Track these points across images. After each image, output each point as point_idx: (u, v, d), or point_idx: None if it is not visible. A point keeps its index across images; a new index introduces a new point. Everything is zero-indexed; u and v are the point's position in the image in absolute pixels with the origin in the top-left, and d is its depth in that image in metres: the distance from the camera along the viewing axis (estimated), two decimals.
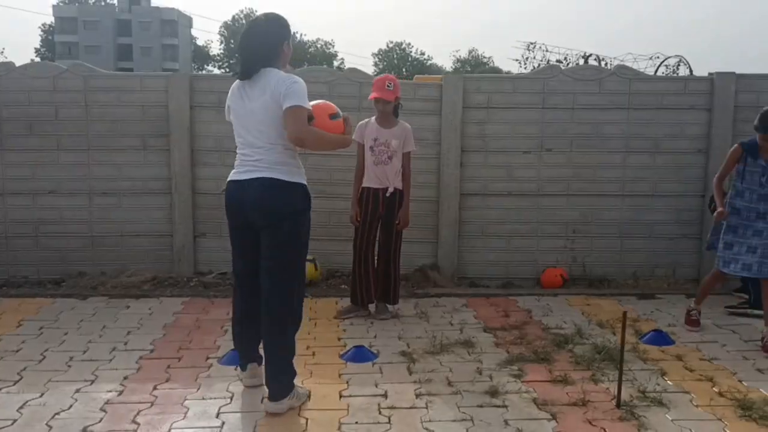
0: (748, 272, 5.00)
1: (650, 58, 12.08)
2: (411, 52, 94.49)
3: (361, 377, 4.13)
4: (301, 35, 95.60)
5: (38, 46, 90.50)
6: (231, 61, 79.95)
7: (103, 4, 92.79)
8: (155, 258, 6.71)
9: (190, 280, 6.48)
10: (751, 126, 6.56)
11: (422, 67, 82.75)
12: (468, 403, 3.78)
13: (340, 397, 3.84)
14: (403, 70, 79.57)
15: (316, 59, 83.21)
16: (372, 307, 5.50)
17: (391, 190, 5.37)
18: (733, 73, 6.70)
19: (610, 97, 6.70)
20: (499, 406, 3.74)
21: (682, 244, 6.86)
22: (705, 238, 6.56)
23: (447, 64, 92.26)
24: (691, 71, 11.84)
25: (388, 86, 5.31)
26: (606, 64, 13.17)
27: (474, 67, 75.49)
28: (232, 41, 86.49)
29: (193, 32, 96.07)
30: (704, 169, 6.75)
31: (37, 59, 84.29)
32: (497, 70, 52.31)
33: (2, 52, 42.89)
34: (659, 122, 6.72)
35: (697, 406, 3.79)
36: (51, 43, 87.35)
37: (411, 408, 3.71)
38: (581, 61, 13.92)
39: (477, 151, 6.74)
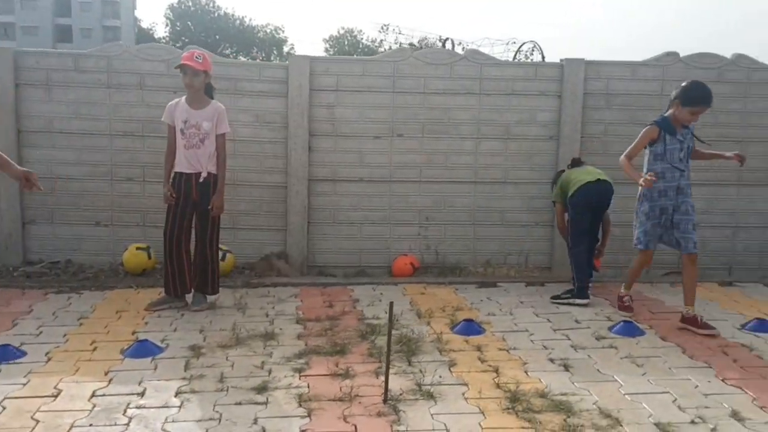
0: (672, 247, 5.09)
1: (506, 44, 12.05)
2: (362, 39, 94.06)
3: (129, 374, 3.91)
4: (249, 19, 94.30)
5: None
6: (177, 45, 78.25)
7: None
8: None
9: (16, 270, 6.16)
10: (600, 113, 6.59)
11: (373, 54, 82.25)
12: (228, 401, 3.60)
13: (92, 396, 3.62)
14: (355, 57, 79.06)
15: (265, 44, 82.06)
16: (189, 297, 5.28)
17: (204, 175, 5.13)
18: (582, 59, 6.64)
19: (461, 82, 6.58)
20: (258, 403, 3.57)
21: (534, 231, 6.80)
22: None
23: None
24: (543, 57, 11.82)
25: (196, 58, 5.05)
26: (463, 48, 13.08)
27: None
28: (178, 24, 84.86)
29: (138, 14, 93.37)
30: (555, 156, 6.69)
31: None
32: None
33: None
34: (510, 108, 6.63)
35: (466, 399, 3.67)
36: None
37: (161, 407, 3.50)
38: (439, 46, 13.84)
39: (326, 135, 6.56)
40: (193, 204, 5.15)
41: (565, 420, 3.43)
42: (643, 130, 5.10)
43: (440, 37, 12.81)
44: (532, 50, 11.78)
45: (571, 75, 6.59)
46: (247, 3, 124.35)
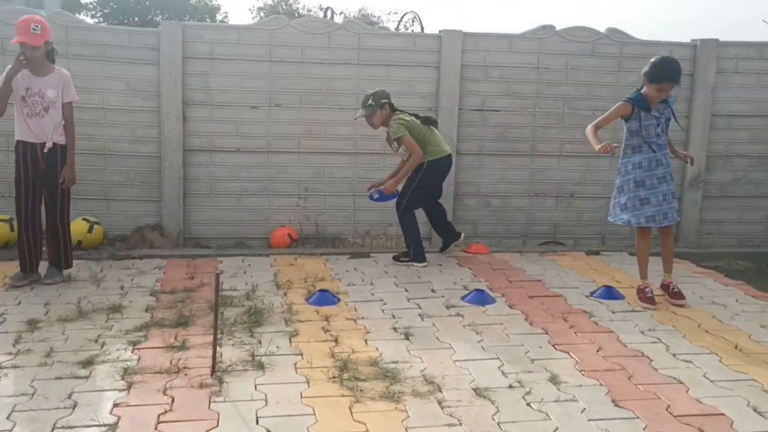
0: (673, 220, 4.98)
1: (388, 14, 12.10)
2: (298, 8, 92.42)
3: None
4: None
5: None
6: (105, 10, 75.30)
7: None
8: None
9: None
10: (478, 85, 6.64)
11: None
12: (48, 375, 3.53)
13: None
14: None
15: (198, 11, 79.91)
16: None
17: (49, 145, 4.94)
18: (460, 31, 6.67)
19: (339, 52, 6.54)
20: (79, 378, 3.51)
21: None
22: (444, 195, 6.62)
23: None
24: (422, 28, 11.86)
25: (34, 29, 4.81)
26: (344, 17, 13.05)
27: None
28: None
29: None
30: None
31: None
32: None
33: None
34: (390, 79, 6.62)
35: (296, 368, 3.69)
36: None
37: None
38: (321, 14, 13.79)
39: (201, 105, 6.45)
40: (42, 176, 4.97)
41: (387, 387, 3.48)
42: (616, 104, 5.02)
43: (321, 5, 12.65)
44: (413, 20, 11.75)
45: (449, 46, 6.62)
46: None
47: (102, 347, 3.91)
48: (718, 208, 7.23)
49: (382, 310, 4.70)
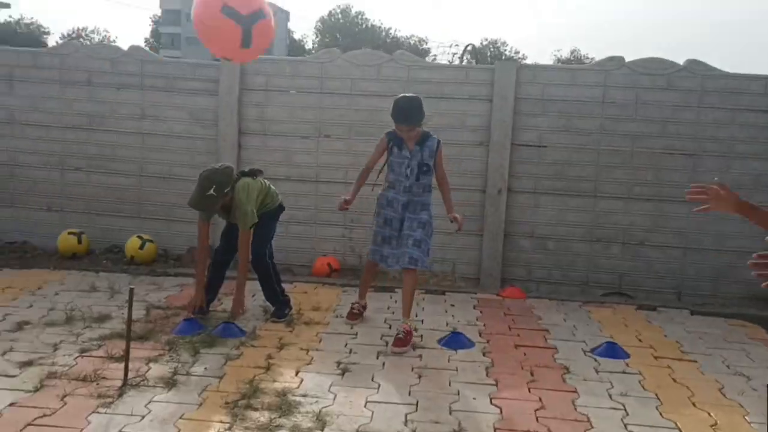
0: (403, 264, 4.76)
1: (450, 46, 11.53)
2: (505, 50, 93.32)
3: None
4: (395, 31, 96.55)
5: (147, 37, 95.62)
6: None
7: None
8: None
9: None
10: (535, 119, 6.29)
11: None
12: None
13: None
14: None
15: None
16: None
17: None
18: (515, 62, 6.36)
19: (389, 84, 6.50)
20: (7, 376, 3.78)
21: (463, 240, 6.56)
22: (487, 234, 6.33)
23: (544, 59, 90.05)
24: (477, 61, 11.12)
25: None
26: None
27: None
28: (327, 36, 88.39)
29: (291, 26, 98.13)
30: (485, 162, 6.44)
31: (146, 49, 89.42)
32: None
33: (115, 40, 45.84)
34: (440, 112, 6.44)
35: (203, 391, 3.68)
36: (159, 33, 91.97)
37: None
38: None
39: (256, 134, 6.71)
40: None
41: (271, 420, 3.36)
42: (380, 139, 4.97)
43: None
44: (468, 54, 11.21)
45: (502, 78, 6.32)
46: (395, 16, 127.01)
47: (54, 351, 4.17)
48: None
49: (345, 343, 4.53)
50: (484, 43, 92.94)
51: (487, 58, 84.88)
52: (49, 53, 6.90)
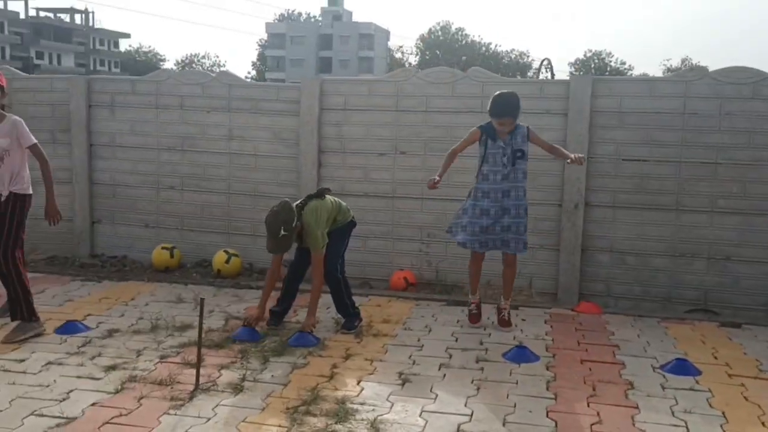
0: (506, 249, 5.36)
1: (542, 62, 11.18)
2: (611, 61, 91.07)
3: None
4: (496, 46, 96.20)
5: (254, 60, 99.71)
6: None
7: (312, 20, 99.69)
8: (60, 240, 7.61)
9: (75, 261, 7.33)
10: (611, 132, 6.23)
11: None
12: (73, 373, 4.19)
13: None
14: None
15: (510, 68, 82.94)
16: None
17: (5, 194, 4.76)
18: (591, 76, 6.31)
19: (463, 101, 6.59)
20: (93, 378, 4.11)
21: (539, 254, 6.53)
22: (563, 248, 6.28)
23: (654, 71, 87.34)
24: (552, 75, 10.72)
25: None
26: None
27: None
28: (427, 53, 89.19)
29: (391, 44, 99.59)
30: (561, 176, 6.39)
31: (253, 72, 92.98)
32: None
33: (224, 64, 48.10)
34: None
35: (267, 397, 3.87)
36: (265, 57, 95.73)
37: None
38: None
39: (335, 152, 6.94)
40: None
41: (327, 425, 3.51)
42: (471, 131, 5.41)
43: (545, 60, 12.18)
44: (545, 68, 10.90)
45: (577, 92, 6.26)
46: (496, 31, 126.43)
47: (136, 357, 4.48)
48: None
49: (410, 355, 4.62)
50: (588, 54, 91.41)
51: (591, 69, 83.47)
52: (146, 81, 7.40)
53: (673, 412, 3.74)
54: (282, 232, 4.91)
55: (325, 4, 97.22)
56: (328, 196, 5.27)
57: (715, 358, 4.68)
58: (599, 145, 6.31)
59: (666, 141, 6.17)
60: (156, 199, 7.40)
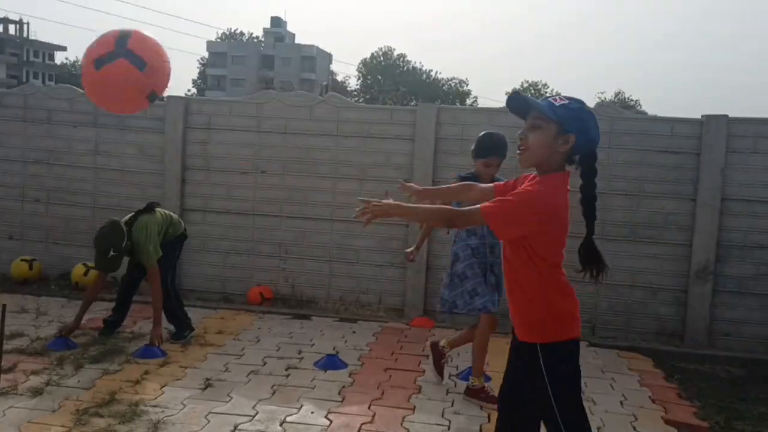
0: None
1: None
2: (546, 92, 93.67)
3: None
4: (436, 73, 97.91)
5: (195, 78, 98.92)
6: (366, 96, 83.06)
7: (254, 41, 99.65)
8: None
9: None
10: (454, 158, 6.58)
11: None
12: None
13: None
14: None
15: (449, 96, 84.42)
16: None
17: None
18: (436, 105, 6.67)
19: (320, 124, 6.88)
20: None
21: (388, 272, 6.84)
22: (410, 266, 6.53)
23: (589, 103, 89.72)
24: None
25: None
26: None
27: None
28: (368, 77, 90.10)
29: (333, 68, 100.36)
30: (409, 199, 6.70)
31: (194, 90, 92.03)
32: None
33: None
34: (366, 150, 6.79)
35: (65, 399, 4.02)
36: (206, 75, 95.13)
37: None
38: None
39: (199, 169, 7.13)
40: None
41: (109, 425, 3.68)
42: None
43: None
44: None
45: (423, 119, 6.64)
46: (435, 58, 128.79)
47: None
48: (737, 306, 6.20)
49: (225, 364, 4.83)
50: (525, 85, 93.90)
51: None
52: (14, 94, 7.48)
53: (443, 413, 4.04)
54: (111, 253, 5.05)
55: (268, 25, 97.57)
56: (158, 209, 5.44)
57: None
58: (443, 169, 6.68)
59: None
60: (21, 211, 7.44)
